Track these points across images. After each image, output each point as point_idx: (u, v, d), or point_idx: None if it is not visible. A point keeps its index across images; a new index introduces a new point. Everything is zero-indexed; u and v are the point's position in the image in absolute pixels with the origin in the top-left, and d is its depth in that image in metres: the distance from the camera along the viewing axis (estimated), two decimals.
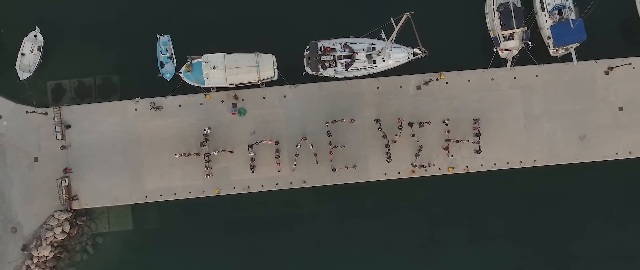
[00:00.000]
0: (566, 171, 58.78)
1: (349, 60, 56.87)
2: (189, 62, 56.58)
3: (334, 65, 56.89)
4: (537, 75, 58.27)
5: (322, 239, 59.46)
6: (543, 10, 57.56)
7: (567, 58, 58.20)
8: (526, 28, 56.29)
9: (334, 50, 56.77)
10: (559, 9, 56.91)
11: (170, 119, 57.66)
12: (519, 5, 57.03)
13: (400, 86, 58.11)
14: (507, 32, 56.14)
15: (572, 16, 56.39)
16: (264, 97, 57.85)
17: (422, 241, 59.70)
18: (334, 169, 57.50)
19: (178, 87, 57.32)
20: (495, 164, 58.25)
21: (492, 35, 57.71)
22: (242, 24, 58.89)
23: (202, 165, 57.06)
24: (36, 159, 57.63)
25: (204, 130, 57.05)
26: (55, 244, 58.07)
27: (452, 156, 57.70)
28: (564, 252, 59.81)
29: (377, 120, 57.58)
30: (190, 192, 57.90)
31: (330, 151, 57.45)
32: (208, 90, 57.48)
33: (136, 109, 57.68)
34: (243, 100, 57.74)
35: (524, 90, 58.32)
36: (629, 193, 59.52)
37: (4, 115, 57.55)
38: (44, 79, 58.78)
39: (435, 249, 59.70)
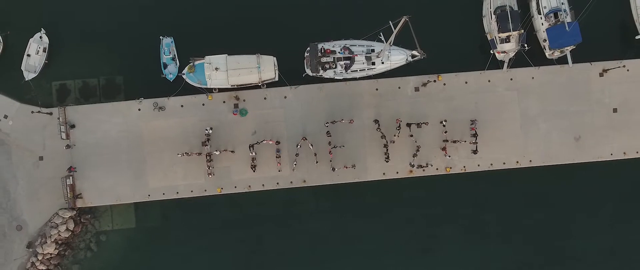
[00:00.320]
0: (561, 171, 58.98)
1: (348, 62, 57.02)
2: (191, 64, 56.59)
3: (334, 66, 57.04)
4: (533, 77, 58.39)
5: (322, 237, 59.53)
6: (539, 13, 57.72)
7: (562, 60, 58.40)
8: (522, 31, 56.61)
9: (333, 52, 56.87)
10: (555, 12, 57.11)
11: (172, 119, 57.73)
12: (515, 8, 57.10)
13: (399, 87, 58.23)
14: (503, 35, 56.37)
15: (568, 19, 56.56)
16: (265, 98, 57.99)
17: (419, 239, 59.72)
18: (333, 169, 57.65)
19: (181, 87, 57.36)
20: (491, 164, 58.43)
21: (489, 38, 57.86)
22: (243, 26, 59.05)
23: (204, 164, 57.17)
24: (41, 158, 57.68)
25: (206, 130, 57.10)
26: (59, 242, 58.19)
27: (449, 156, 57.84)
28: (559, 251, 60.03)
29: (376, 121, 57.71)
30: (192, 191, 58.03)
31: (330, 151, 57.56)
32: (210, 91, 57.55)
33: (139, 109, 57.73)
34: (244, 100, 57.83)
35: (520, 92, 58.45)
36: (623, 193, 59.80)
37: (10, 114, 57.61)
38: (49, 79, 58.81)
39: (433, 247, 59.77)
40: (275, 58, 56.92)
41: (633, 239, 60.17)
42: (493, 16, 57.09)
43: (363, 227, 59.74)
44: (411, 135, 57.73)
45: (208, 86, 57.01)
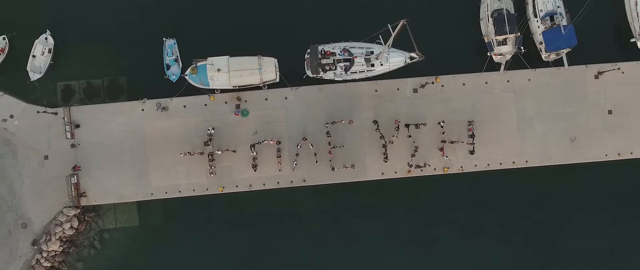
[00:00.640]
0: (557, 172, 59.23)
1: (348, 63, 57.20)
2: (194, 65, 56.77)
3: (334, 68, 57.28)
4: (529, 79, 58.67)
5: (321, 235, 59.69)
6: (535, 16, 58.04)
7: (558, 63, 58.70)
8: (519, 34, 56.84)
9: (333, 54, 57.06)
10: (551, 16, 57.35)
11: (175, 119, 57.91)
12: (512, 11, 57.28)
13: (398, 89, 58.43)
14: (500, 38, 56.58)
15: (564, 22, 56.78)
16: (266, 99, 58.19)
17: (417, 238, 59.82)
18: (333, 168, 57.86)
19: (183, 88, 57.63)
20: (488, 165, 58.66)
21: (486, 41, 58.12)
22: (245, 28, 59.19)
23: (206, 164, 57.32)
24: (46, 157, 57.88)
25: (208, 130, 57.32)
26: (64, 239, 58.36)
27: (447, 157, 58.07)
28: (555, 249, 60.26)
29: (375, 122, 57.93)
30: (194, 190, 58.14)
31: (330, 151, 57.77)
32: (212, 91, 57.71)
33: (143, 110, 57.95)
34: (246, 101, 58.03)
35: (517, 94, 58.68)
36: (617, 193, 60.04)
37: (16, 114, 57.76)
38: (54, 80, 58.99)
39: (431, 245, 59.91)
40: (276, 59, 57.12)
41: (629, 238, 60.44)
42: (490, 19, 57.35)
43: (362, 226, 59.88)
44: (409, 136, 57.95)
45: (210, 87, 57.19)
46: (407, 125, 57.97)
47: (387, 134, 57.81)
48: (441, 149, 58.19)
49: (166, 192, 58.41)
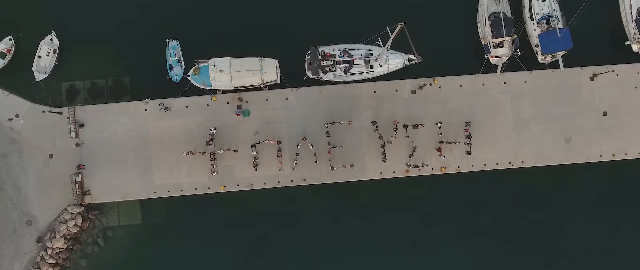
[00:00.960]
0: (552, 172, 59.58)
1: (347, 65, 57.52)
2: (196, 66, 56.93)
3: (334, 69, 57.54)
4: (525, 81, 59.03)
5: (321, 233, 60.05)
6: (532, 19, 58.30)
7: (554, 65, 58.85)
8: (516, 36, 57.03)
9: (333, 55, 57.31)
10: (547, 19, 57.57)
11: (178, 119, 58.24)
12: (509, 14, 57.55)
13: (396, 90, 58.83)
14: (497, 40, 56.80)
15: (559, 25, 56.98)
16: (267, 99, 58.60)
17: (415, 236, 60.13)
18: (332, 168, 58.27)
19: (186, 89, 57.88)
20: (485, 165, 59.01)
21: (483, 43, 58.31)
22: (247, 30, 59.44)
23: (208, 163, 57.71)
24: (51, 156, 58.29)
25: (210, 130, 57.75)
26: (68, 237, 58.64)
27: (444, 157, 58.42)
28: (550, 248, 60.65)
29: (374, 122, 58.34)
30: (196, 189, 58.51)
31: (329, 151, 58.13)
32: (214, 92, 57.94)
33: (146, 110, 58.29)
34: (247, 102, 58.41)
35: (513, 95, 59.01)
36: (611, 193, 60.33)
37: (21, 114, 58.10)
38: (59, 80, 59.21)
39: (428, 244, 60.22)
40: (277, 61, 57.27)
41: (624, 238, 60.88)
42: (487, 22, 57.67)
43: (360, 224, 60.22)
44: (407, 136, 58.28)
45: (212, 88, 57.41)
46: (405, 126, 58.30)
47: (386, 134, 58.19)
48: (439, 150, 58.54)
49: (168, 191, 58.76)
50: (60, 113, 58.18)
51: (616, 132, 59.53)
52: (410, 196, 60.41)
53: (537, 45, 58.59)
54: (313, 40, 57.92)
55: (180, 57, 58.91)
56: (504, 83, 59.37)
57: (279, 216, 60.59)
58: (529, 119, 59.39)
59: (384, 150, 58.20)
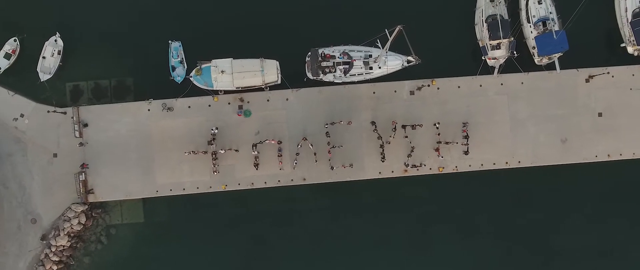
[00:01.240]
0: (549, 172, 59.95)
1: (347, 66, 57.95)
2: (198, 67, 57.21)
3: (333, 71, 57.92)
4: (522, 83, 59.42)
5: (320, 232, 60.47)
6: (528, 21, 58.77)
7: (550, 67, 59.23)
8: (512, 38, 57.37)
9: (333, 57, 57.67)
10: (543, 21, 58.07)
11: (180, 119, 58.65)
12: (506, 17, 57.79)
13: (395, 91, 59.27)
14: (494, 42, 57.20)
15: (556, 28, 57.45)
16: (268, 100, 59.06)
17: (413, 235, 60.56)
18: (332, 168, 58.66)
19: (188, 89, 58.13)
20: (482, 165, 59.40)
21: (480, 45, 58.71)
22: (248, 31, 59.77)
23: (210, 162, 58.06)
24: (55, 155, 58.78)
25: (212, 130, 58.15)
26: (72, 235, 59.04)
27: (442, 157, 58.85)
28: (546, 247, 61.05)
29: (373, 123, 58.74)
30: (198, 188, 58.93)
31: (329, 151, 58.50)
32: (216, 92, 58.27)
33: (149, 110, 58.72)
34: (248, 102, 58.82)
35: (510, 96, 59.40)
36: (606, 193, 60.73)
37: (26, 113, 58.55)
38: (63, 80, 59.65)
39: (426, 243, 60.60)
40: (278, 62, 57.60)
41: (622, 238, 61.38)
42: (485, 24, 57.91)
43: (359, 223, 60.60)
44: (406, 137, 58.75)
45: (214, 88, 57.74)
46: (404, 126, 58.70)
47: (385, 134, 58.59)
48: (437, 150, 59.01)
49: (171, 190, 59.22)
50: (65, 113, 58.60)
51: (611, 133, 59.86)
52: (408, 195, 60.76)
53: (533, 47, 58.95)
54: (313, 42, 58.28)
55: (182, 58, 59.30)
56: (501, 84, 59.80)
57: (279, 215, 60.92)
58: (525, 120, 59.84)
59: (383, 150, 58.59)
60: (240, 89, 58.20)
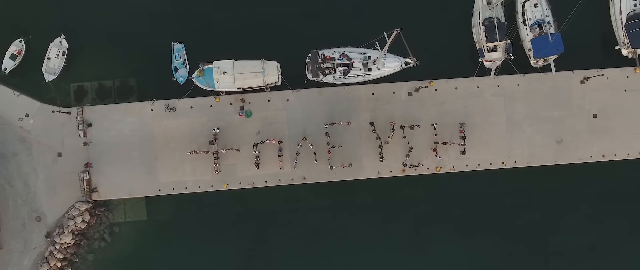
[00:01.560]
0: (544, 172, 60.58)
1: (346, 68, 58.52)
2: (200, 68, 58.02)
3: (333, 72, 58.54)
4: (518, 84, 60.05)
5: (320, 230, 61.27)
6: (525, 24, 59.38)
7: (546, 69, 59.89)
8: (509, 41, 58.26)
9: (333, 58, 58.35)
10: (539, 24, 58.66)
11: (182, 119, 59.30)
12: (502, 20, 58.73)
13: (393, 92, 59.87)
14: (491, 44, 58.03)
15: (551, 30, 58.10)
16: (269, 101, 59.63)
17: (411, 234, 61.28)
18: (331, 167, 59.34)
19: (190, 90, 58.88)
20: (479, 165, 60.13)
21: (477, 47, 59.46)
22: (249, 33, 60.51)
23: (211, 162, 58.76)
24: (60, 154, 59.62)
25: (214, 130, 58.72)
26: (76, 232, 59.88)
27: (439, 157, 59.55)
28: (544, 247, 61.73)
29: (372, 123, 59.42)
30: (199, 187, 59.68)
31: (329, 151, 59.15)
32: (218, 93, 59.00)
33: (152, 110, 59.41)
34: (249, 103, 59.46)
35: (507, 98, 60.09)
36: (601, 192, 61.46)
37: (31, 113, 59.33)
38: (67, 81, 60.35)
39: (423, 241, 61.34)
40: (278, 63, 58.37)
41: (616, 237, 61.82)
42: (482, 27, 58.71)
43: (358, 222, 61.32)
44: (404, 137, 59.40)
45: (216, 89, 58.48)
46: (402, 127, 59.31)
47: (383, 134, 59.16)
48: (434, 150, 59.60)
49: (173, 189, 59.91)
50: (69, 113, 59.40)
51: (606, 133, 60.59)
52: (406, 194, 61.45)
53: (529, 50, 59.68)
54: (313, 44, 58.88)
55: (185, 60, 59.92)
56: (498, 86, 60.40)
57: (279, 213, 61.68)
58: (521, 121, 60.44)
59: (382, 150, 59.25)
60: (241, 89, 58.85)
